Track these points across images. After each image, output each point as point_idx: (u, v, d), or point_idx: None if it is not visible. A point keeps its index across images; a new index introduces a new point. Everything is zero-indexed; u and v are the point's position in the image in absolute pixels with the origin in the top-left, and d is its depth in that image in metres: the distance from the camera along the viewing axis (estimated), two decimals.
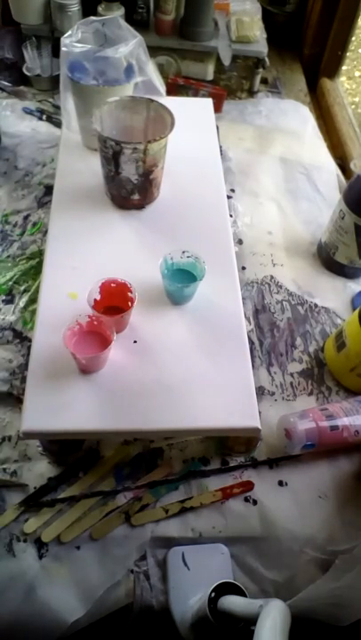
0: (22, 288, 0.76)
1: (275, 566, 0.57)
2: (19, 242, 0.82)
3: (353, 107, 1.23)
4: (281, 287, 0.81)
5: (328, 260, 0.84)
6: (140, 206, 0.72)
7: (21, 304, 0.74)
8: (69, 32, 0.74)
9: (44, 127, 1.02)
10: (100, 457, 0.62)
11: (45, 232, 0.70)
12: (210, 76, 1.12)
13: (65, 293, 0.61)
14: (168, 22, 1.03)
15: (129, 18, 1.03)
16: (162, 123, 0.66)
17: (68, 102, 0.78)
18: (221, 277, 0.65)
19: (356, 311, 0.66)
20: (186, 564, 0.56)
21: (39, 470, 0.61)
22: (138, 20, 1.04)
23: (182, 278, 0.62)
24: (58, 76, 0.76)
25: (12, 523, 0.57)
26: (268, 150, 1.04)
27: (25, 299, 0.75)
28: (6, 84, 1.09)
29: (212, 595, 0.47)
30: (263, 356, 0.73)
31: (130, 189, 0.68)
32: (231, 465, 0.63)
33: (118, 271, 0.64)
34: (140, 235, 0.69)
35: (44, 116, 1.03)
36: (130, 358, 0.57)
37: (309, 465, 0.64)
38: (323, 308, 0.80)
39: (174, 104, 0.68)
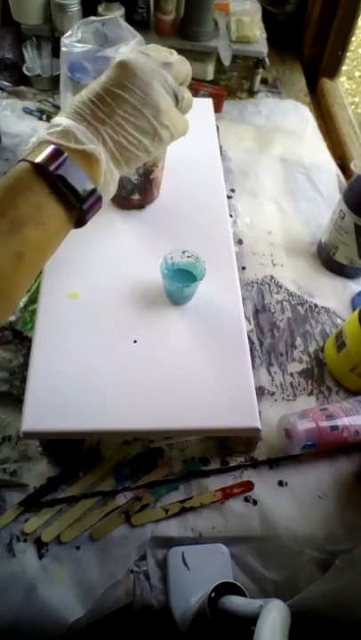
0: None
1: (275, 566, 0.57)
2: None
3: (353, 107, 1.23)
4: (281, 287, 0.81)
5: (328, 260, 0.84)
6: (140, 206, 0.72)
7: (21, 304, 0.74)
8: (69, 32, 0.73)
9: (44, 127, 1.01)
10: (100, 457, 0.62)
11: None
12: (210, 76, 1.12)
13: (65, 293, 0.61)
14: (168, 22, 1.03)
15: (129, 18, 1.03)
16: None
17: (68, 102, 0.78)
18: (221, 277, 0.65)
19: (356, 311, 0.66)
20: (186, 564, 0.56)
21: (39, 470, 0.61)
22: (138, 20, 1.04)
23: (182, 278, 0.62)
24: (58, 76, 0.76)
25: (12, 523, 0.57)
26: (268, 150, 1.04)
27: (25, 299, 0.75)
28: (6, 84, 1.09)
29: (213, 595, 0.47)
30: (263, 356, 0.73)
31: (130, 189, 0.68)
32: (231, 465, 0.63)
33: (118, 271, 0.65)
34: (140, 235, 0.69)
35: (44, 116, 1.03)
36: (130, 358, 0.57)
37: (309, 465, 0.64)
38: (323, 307, 0.80)
39: None
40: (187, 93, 0.46)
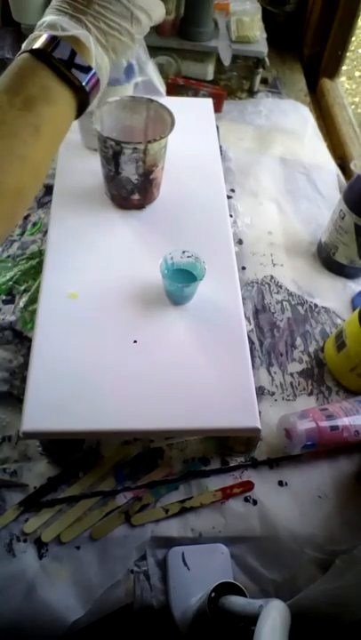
0: (22, 288, 0.76)
1: (275, 566, 0.57)
2: (19, 242, 0.82)
3: (353, 107, 1.23)
4: (281, 287, 0.81)
5: (328, 260, 0.84)
6: (140, 206, 0.72)
7: (21, 304, 0.74)
8: None
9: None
10: (100, 457, 0.62)
11: (45, 232, 0.70)
12: (210, 76, 1.12)
13: (65, 293, 0.61)
14: (168, 22, 1.03)
15: None
16: (162, 123, 0.66)
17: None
18: (221, 277, 0.65)
19: (356, 311, 0.66)
20: (186, 564, 0.56)
21: (39, 470, 0.61)
22: None
23: (182, 278, 0.62)
24: None
25: (12, 523, 0.57)
26: (268, 150, 1.04)
27: (25, 299, 0.75)
28: None
29: (213, 595, 0.47)
30: (263, 356, 0.73)
31: (130, 189, 0.68)
32: (231, 465, 0.63)
33: (118, 271, 0.65)
34: (140, 235, 0.69)
35: None
36: (130, 358, 0.57)
37: (309, 465, 0.64)
38: (323, 307, 0.80)
39: (174, 104, 0.68)
40: None
